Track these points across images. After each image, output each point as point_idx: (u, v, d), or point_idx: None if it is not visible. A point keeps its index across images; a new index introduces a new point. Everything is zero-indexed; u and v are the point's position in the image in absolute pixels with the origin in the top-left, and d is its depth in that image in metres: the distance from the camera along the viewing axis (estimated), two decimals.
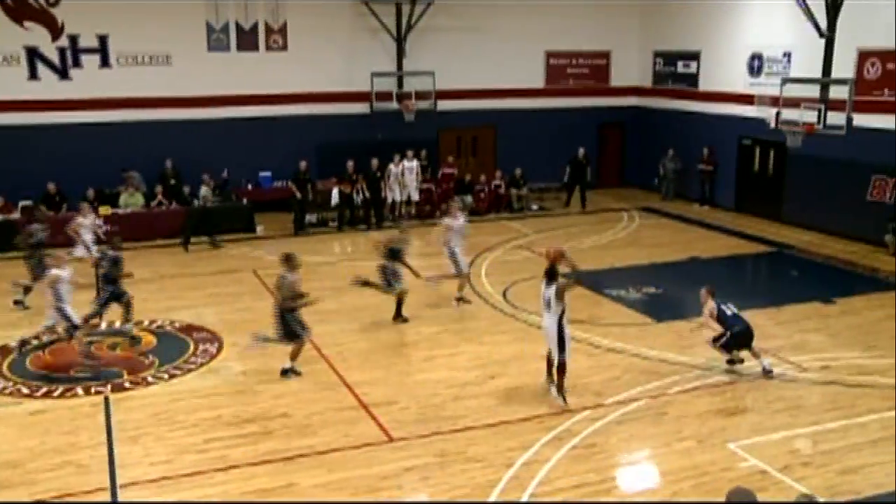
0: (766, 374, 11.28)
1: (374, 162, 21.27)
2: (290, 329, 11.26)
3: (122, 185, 20.18)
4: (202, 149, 20.98)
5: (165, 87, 21.07)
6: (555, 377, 10.49)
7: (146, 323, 13.61)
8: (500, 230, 20.73)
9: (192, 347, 12.55)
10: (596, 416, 10.12)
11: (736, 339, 11.27)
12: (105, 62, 20.72)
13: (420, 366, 11.92)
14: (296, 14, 22.03)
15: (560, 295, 10.07)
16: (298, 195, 20.44)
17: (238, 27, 21.69)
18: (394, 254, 13.69)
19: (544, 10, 24.09)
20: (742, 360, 11.53)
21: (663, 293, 15.35)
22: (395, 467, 8.90)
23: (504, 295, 15.26)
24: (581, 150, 23.50)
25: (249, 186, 21.64)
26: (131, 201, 19.84)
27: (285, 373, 11.39)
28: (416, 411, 10.33)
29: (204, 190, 19.28)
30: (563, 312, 10.16)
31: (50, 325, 11.86)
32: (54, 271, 11.70)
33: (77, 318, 11.77)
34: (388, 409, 10.38)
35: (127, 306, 12.89)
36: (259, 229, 20.37)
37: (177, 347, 12.56)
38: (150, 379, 11.37)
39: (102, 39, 20.61)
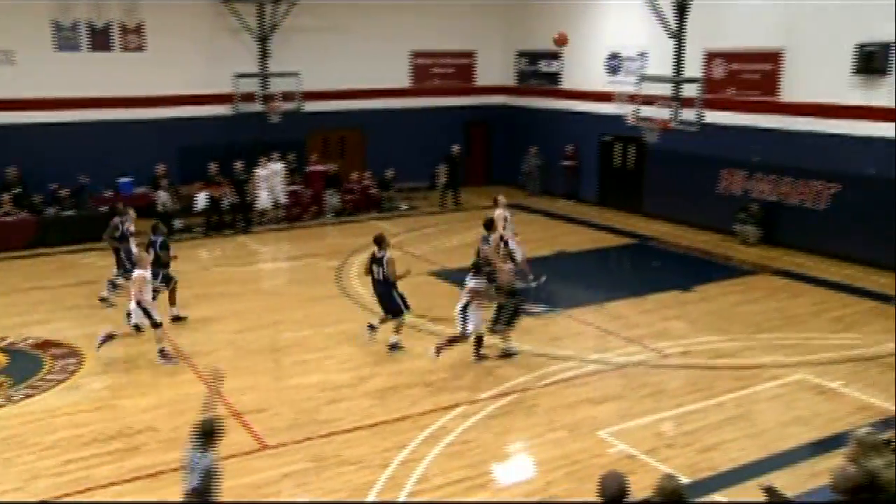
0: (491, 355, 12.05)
1: (239, 165, 20.79)
2: (397, 304, 12.18)
3: None
4: (54, 154, 19.92)
5: (8, 87, 19.79)
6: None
7: None
8: (370, 230, 20.56)
9: (47, 364, 11.90)
10: (470, 412, 10.23)
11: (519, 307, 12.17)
12: None
13: (292, 370, 11.74)
14: (152, 14, 21.23)
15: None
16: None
17: (90, 26, 20.71)
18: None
19: (408, 10, 24.17)
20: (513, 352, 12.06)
21: (532, 288, 15.64)
22: (271, 475, 8.74)
23: None
24: (455, 148, 23.76)
25: (108, 193, 20.74)
26: None
27: (393, 348, 12.18)
28: (290, 417, 10.18)
29: (163, 196, 18.97)
30: (467, 302, 11.46)
31: (136, 323, 11.80)
32: (141, 272, 11.92)
33: (159, 316, 11.98)
34: (260, 416, 10.18)
35: (173, 290, 13.71)
36: None
37: (31, 365, 11.85)
38: None
39: None
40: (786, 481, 8.22)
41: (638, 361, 11.85)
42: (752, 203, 18.75)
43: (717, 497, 8.21)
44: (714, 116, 18.28)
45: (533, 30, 25.25)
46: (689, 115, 17.70)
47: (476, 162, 26.70)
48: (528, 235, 19.80)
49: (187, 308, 14.11)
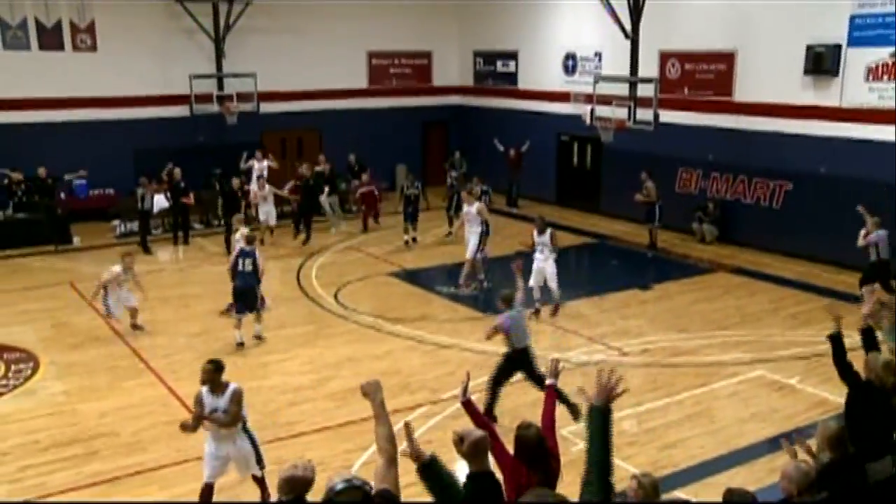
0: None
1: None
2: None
3: None
4: (2, 155, 19.54)
5: None
6: None
7: None
8: (328, 231, 20.57)
9: (2, 369, 11.66)
10: (432, 412, 10.23)
11: None
12: None
13: (253, 373, 11.62)
14: (104, 13, 20.88)
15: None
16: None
17: (38, 24, 20.31)
18: None
19: (363, 11, 24.08)
20: None
21: (492, 288, 15.69)
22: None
23: (335, 297, 15.15)
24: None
25: (63, 195, 20.36)
26: None
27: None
28: (251, 419, 10.02)
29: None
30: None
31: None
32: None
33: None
34: None
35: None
36: (76, 240, 19.23)
37: None
38: None
39: None
40: (744, 478, 8.36)
41: (598, 360, 11.94)
42: (709, 202, 19.01)
43: (678, 493, 8.29)
44: (670, 116, 18.48)
45: (489, 30, 25.34)
46: (645, 114, 17.87)
47: (435, 163, 26.66)
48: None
49: (145, 311, 13.93)
